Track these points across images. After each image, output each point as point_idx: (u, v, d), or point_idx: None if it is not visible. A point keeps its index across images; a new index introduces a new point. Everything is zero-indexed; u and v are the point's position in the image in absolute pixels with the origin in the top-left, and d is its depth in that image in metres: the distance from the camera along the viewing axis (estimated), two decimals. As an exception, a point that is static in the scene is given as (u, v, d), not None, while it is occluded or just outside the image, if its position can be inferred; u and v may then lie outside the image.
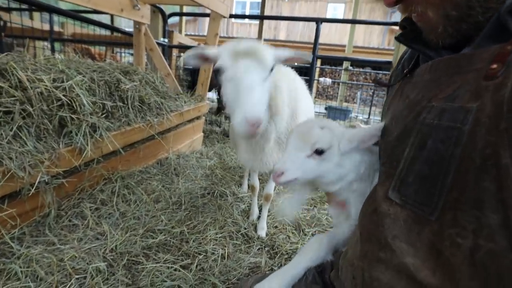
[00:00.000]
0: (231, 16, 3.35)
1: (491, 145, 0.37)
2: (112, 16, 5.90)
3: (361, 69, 9.70)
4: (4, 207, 1.18)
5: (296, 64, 1.41)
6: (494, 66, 0.40)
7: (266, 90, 1.03)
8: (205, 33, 3.00)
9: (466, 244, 0.39)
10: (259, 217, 1.71)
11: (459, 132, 0.41)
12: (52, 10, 3.17)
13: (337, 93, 8.99)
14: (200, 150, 2.79)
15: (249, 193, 2.00)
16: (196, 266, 1.27)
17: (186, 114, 2.48)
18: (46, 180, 1.30)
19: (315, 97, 9.51)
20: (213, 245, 1.41)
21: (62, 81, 1.51)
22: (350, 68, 8.69)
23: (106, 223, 1.45)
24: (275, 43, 9.01)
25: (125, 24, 7.50)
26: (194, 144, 2.80)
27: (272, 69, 1.05)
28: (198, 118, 2.81)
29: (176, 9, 5.65)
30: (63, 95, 1.47)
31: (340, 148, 0.67)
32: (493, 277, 0.37)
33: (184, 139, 2.62)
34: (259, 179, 1.79)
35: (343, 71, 8.75)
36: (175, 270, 1.23)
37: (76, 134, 1.47)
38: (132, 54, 3.57)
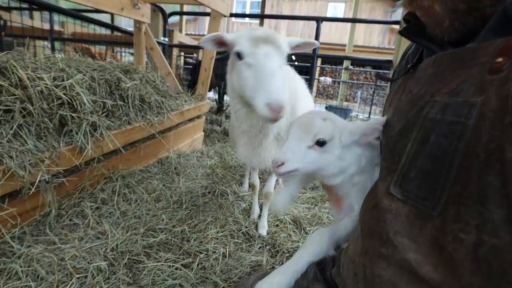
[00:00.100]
0: (232, 15, 3.35)
1: (495, 139, 0.37)
2: (112, 15, 5.90)
3: (361, 68, 9.69)
4: (5, 206, 1.17)
5: (296, 63, 1.41)
6: (500, 59, 0.39)
7: (283, 77, 1.05)
8: (206, 32, 2.99)
9: (469, 239, 0.39)
10: (260, 216, 1.71)
11: (463, 126, 0.41)
12: (52, 9, 3.16)
13: (338, 92, 8.98)
14: (200, 149, 2.78)
15: (250, 192, 2.00)
16: (198, 265, 1.26)
17: (187, 113, 2.48)
18: (47, 179, 1.30)
19: (316, 97, 9.49)
20: (214, 244, 1.40)
21: (63, 80, 1.51)
22: (351, 67, 8.68)
23: (107, 222, 1.44)
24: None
25: (125, 24, 7.50)
26: (194, 143, 2.80)
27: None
28: (198, 117, 2.81)
29: (177, 8, 5.64)
30: (64, 94, 1.46)
31: (341, 141, 0.66)
32: (497, 272, 0.37)
33: (185, 138, 2.62)
34: (259, 177, 1.79)
35: (343, 70, 8.74)
36: (176, 269, 1.22)
37: (77, 133, 1.47)
38: (132, 54, 3.57)
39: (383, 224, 0.51)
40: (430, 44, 0.56)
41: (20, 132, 1.28)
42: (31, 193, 1.24)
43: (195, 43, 5.58)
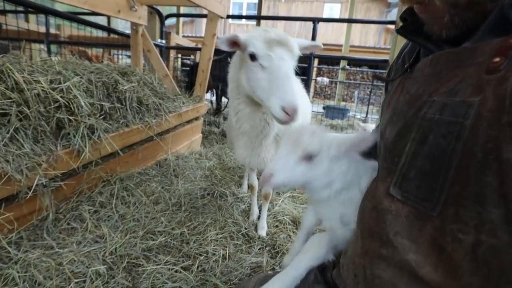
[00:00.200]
0: (228, 16, 3.35)
1: (493, 139, 0.37)
2: (108, 17, 5.88)
3: (358, 68, 9.73)
4: (1, 211, 1.16)
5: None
6: (497, 59, 0.39)
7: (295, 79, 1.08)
8: (202, 34, 2.99)
9: (468, 239, 0.39)
10: (259, 217, 1.71)
11: (460, 126, 0.41)
12: (48, 12, 3.15)
13: (335, 92, 9.01)
14: (199, 151, 2.78)
15: (249, 193, 2.00)
16: (197, 267, 1.26)
17: (185, 115, 2.48)
18: (44, 183, 1.29)
19: (313, 97, 9.52)
20: (213, 246, 1.40)
21: (60, 83, 1.50)
22: (347, 67, 8.72)
23: (105, 225, 1.43)
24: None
25: (122, 26, 7.48)
26: (193, 145, 2.80)
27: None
28: (196, 119, 2.80)
29: (173, 10, 5.64)
30: (61, 97, 1.45)
31: (329, 154, 0.68)
32: (495, 273, 0.37)
33: (183, 140, 2.61)
34: (258, 178, 1.79)
35: (340, 70, 8.78)
36: (176, 271, 1.22)
37: (74, 136, 1.46)
38: (129, 56, 3.56)
39: (383, 225, 0.51)
40: (426, 43, 0.56)
41: (16, 135, 1.27)
42: (28, 197, 1.23)
43: (192, 45, 5.58)
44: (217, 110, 5.05)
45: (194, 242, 1.41)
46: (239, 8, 14.56)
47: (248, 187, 2.09)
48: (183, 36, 6.71)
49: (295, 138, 0.69)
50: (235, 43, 1.09)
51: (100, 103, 1.69)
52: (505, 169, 0.36)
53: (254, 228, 1.62)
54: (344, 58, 6.55)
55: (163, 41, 3.75)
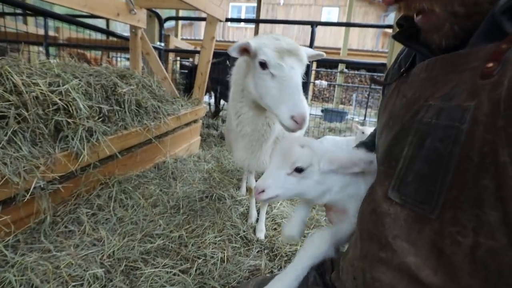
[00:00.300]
0: (227, 20, 3.37)
1: (489, 143, 0.38)
2: (107, 20, 5.89)
3: (356, 72, 9.79)
4: (-1, 213, 1.15)
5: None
6: (490, 64, 0.40)
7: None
8: (201, 37, 3.00)
9: (467, 242, 0.39)
10: (257, 220, 1.71)
11: (457, 130, 0.42)
12: (47, 15, 3.15)
13: (333, 96, 9.06)
14: (197, 154, 2.77)
15: (247, 195, 2.00)
16: (196, 270, 1.25)
17: (183, 118, 2.48)
18: (42, 186, 1.28)
19: (312, 100, 9.56)
20: (212, 249, 1.39)
21: (58, 85, 1.50)
22: (345, 70, 8.78)
23: (103, 228, 1.43)
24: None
25: (121, 29, 7.49)
26: (191, 147, 2.79)
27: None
28: (195, 121, 2.80)
29: (172, 13, 5.65)
30: (59, 99, 1.45)
31: (320, 167, 0.68)
32: (494, 275, 0.37)
33: (182, 143, 2.61)
34: (256, 180, 1.79)
35: (338, 73, 8.83)
36: (174, 274, 1.21)
37: (72, 139, 1.45)
38: (128, 59, 3.56)
39: (382, 228, 0.51)
40: (422, 49, 0.56)
41: (14, 138, 1.27)
42: (25, 200, 1.22)
43: (191, 47, 5.60)
44: (216, 112, 5.06)
45: (192, 245, 1.41)
46: (238, 12, 14.66)
47: (247, 190, 2.09)
48: (182, 39, 6.73)
49: (284, 152, 0.70)
50: (245, 49, 1.10)
51: (99, 106, 1.69)
52: (501, 172, 0.36)
53: (253, 231, 1.62)
54: (342, 61, 6.61)
55: (162, 44, 3.76)
